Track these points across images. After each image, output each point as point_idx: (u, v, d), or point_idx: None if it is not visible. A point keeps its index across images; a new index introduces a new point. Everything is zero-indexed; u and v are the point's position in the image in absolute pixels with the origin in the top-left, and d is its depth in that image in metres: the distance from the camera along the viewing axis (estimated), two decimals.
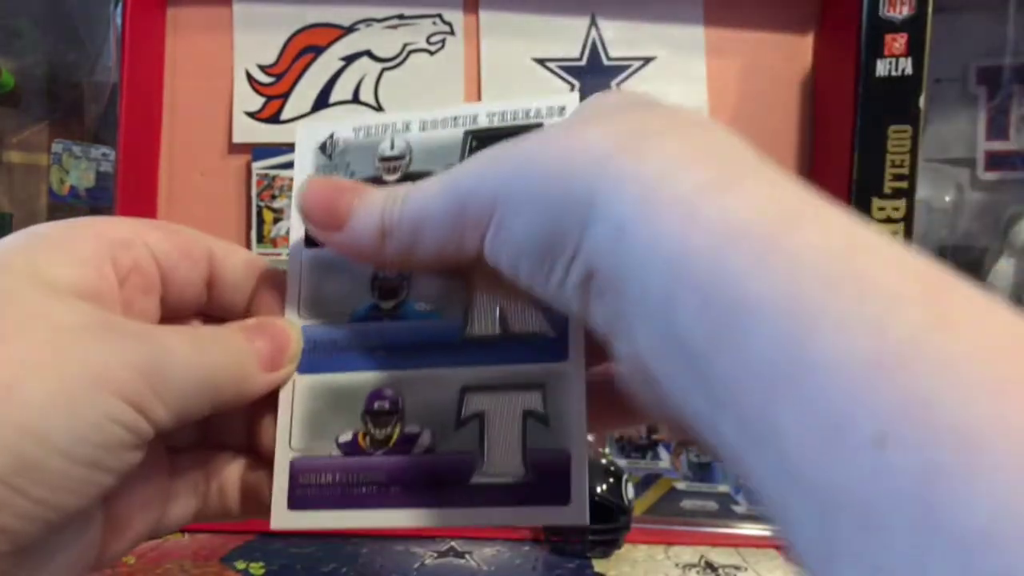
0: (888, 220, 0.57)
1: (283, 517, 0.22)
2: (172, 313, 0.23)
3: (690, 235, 0.15)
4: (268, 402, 0.23)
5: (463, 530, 0.57)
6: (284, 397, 0.23)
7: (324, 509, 0.22)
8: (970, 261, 0.66)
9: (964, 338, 0.12)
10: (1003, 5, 0.65)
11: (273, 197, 0.61)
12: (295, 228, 0.25)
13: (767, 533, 0.56)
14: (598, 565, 0.53)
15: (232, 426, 0.25)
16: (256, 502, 0.24)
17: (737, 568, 0.53)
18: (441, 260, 0.21)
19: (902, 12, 0.56)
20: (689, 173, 0.16)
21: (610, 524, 0.55)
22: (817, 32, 0.64)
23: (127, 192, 0.57)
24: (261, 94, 0.62)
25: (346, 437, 0.23)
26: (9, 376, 0.17)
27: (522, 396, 0.22)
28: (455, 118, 0.24)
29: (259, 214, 0.61)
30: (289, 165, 0.61)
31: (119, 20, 0.58)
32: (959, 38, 0.65)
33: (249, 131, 0.61)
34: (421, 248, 0.21)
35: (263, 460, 0.24)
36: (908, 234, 0.56)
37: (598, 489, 0.56)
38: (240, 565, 0.50)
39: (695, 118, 0.19)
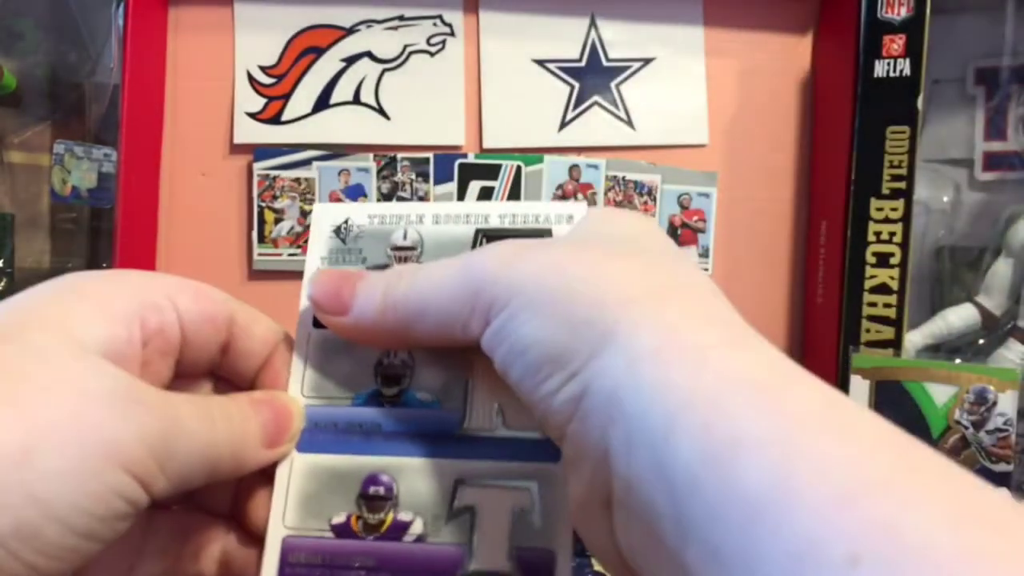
0: (886, 220, 0.57)
1: None
2: (184, 372, 0.24)
3: (699, 378, 0.17)
4: (259, 474, 0.23)
5: None
6: (281, 474, 0.23)
7: None
8: (968, 261, 0.66)
9: (928, 480, 0.15)
10: (1001, 6, 0.65)
11: (274, 198, 0.61)
12: (305, 308, 0.25)
13: None
14: (598, 564, 0.54)
15: (219, 492, 0.25)
16: (235, 573, 0.24)
17: None
18: (440, 339, 0.22)
19: (900, 13, 0.57)
20: (703, 329, 0.19)
21: None
22: (816, 33, 0.64)
23: (129, 193, 0.58)
24: (262, 95, 0.62)
25: (339, 519, 0.23)
26: (30, 440, 0.17)
27: (513, 493, 0.22)
28: (467, 215, 0.25)
29: (260, 214, 0.61)
30: (291, 166, 0.61)
31: (120, 21, 0.59)
32: (957, 39, 0.65)
33: (250, 132, 0.62)
34: (423, 324, 0.22)
35: (245, 530, 0.24)
36: (906, 234, 0.57)
37: None
38: None
39: (706, 282, 0.21)
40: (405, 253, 0.25)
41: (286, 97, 0.62)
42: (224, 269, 0.62)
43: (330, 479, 0.23)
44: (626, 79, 0.63)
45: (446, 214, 0.25)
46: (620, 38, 0.63)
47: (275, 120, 0.62)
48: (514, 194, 0.62)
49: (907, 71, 0.56)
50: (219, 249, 0.62)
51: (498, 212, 0.25)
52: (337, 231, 0.26)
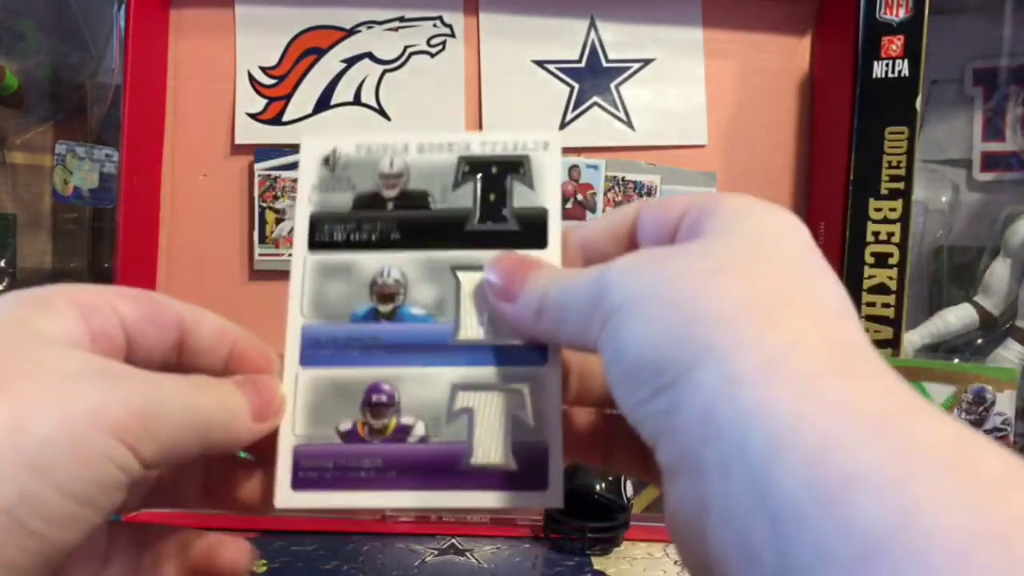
0: (885, 221, 0.57)
1: (286, 497, 0.24)
2: None
3: (806, 407, 0.17)
4: (227, 461, 0.25)
5: (463, 528, 0.57)
6: (288, 389, 0.25)
7: (324, 491, 0.24)
8: (966, 261, 0.66)
9: None
10: (999, 7, 0.65)
11: (275, 198, 0.62)
12: (299, 235, 0.26)
13: None
14: (597, 563, 0.54)
15: (188, 481, 0.26)
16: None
17: None
18: (580, 343, 0.22)
19: (899, 14, 0.57)
20: (814, 353, 0.18)
21: (609, 522, 0.55)
22: (815, 34, 0.64)
23: (130, 193, 0.58)
24: (263, 96, 0.62)
25: (346, 426, 0.24)
26: (20, 415, 0.18)
27: (506, 394, 0.24)
28: (450, 144, 0.27)
29: (261, 215, 0.62)
30: (292, 167, 0.61)
31: (122, 22, 0.59)
32: (955, 40, 0.66)
33: (251, 132, 0.62)
34: (565, 328, 0.23)
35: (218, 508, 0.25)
36: (904, 235, 0.57)
37: (597, 487, 0.57)
38: None
39: (832, 297, 0.20)
40: (393, 180, 0.26)
41: (287, 98, 0.62)
42: (225, 269, 0.62)
43: (334, 390, 0.25)
44: (625, 80, 0.63)
45: (430, 143, 0.27)
46: (620, 39, 0.63)
47: (276, 121, 0.62)
48: None
49: (905, 72, 0.56)
50: (220, 249, 0.63)
51: (479, 140, 0.27)
52: (326, 160, 0.27)
